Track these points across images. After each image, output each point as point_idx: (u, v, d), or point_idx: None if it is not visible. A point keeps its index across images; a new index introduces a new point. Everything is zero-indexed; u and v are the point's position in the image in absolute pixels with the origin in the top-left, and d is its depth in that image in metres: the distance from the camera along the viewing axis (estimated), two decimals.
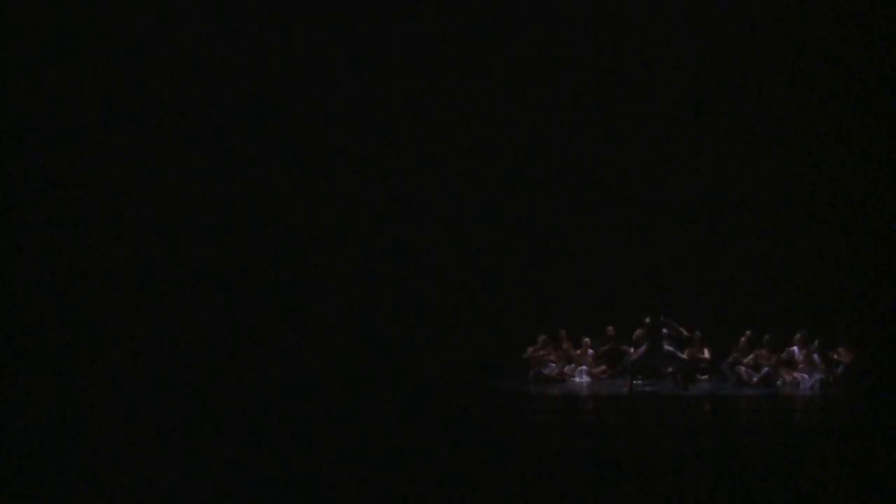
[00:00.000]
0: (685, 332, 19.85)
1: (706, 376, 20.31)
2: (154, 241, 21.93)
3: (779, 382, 19.52)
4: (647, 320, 19.44)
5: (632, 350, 20.60)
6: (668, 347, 19.58)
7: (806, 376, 19.46)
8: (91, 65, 21.87)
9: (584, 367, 20.64)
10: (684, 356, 19.91)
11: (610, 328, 20.84)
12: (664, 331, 19.54)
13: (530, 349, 20.65)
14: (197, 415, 15.98)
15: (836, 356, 19.62)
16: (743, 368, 19.72)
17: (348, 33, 22.20)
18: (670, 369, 19.97)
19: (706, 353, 20.33)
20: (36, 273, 21.49)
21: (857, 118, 21.57)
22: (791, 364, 19.73)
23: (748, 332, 19.99)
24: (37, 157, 21.85)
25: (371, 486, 11.43)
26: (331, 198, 22.43)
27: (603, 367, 20.72)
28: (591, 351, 20.78)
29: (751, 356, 19.79)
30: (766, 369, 19.54)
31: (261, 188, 22.33)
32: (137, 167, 22.09)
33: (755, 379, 19.52)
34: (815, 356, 19.51)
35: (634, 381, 20.07)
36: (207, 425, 15.12)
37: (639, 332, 20.35)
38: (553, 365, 20.62)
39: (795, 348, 19.77)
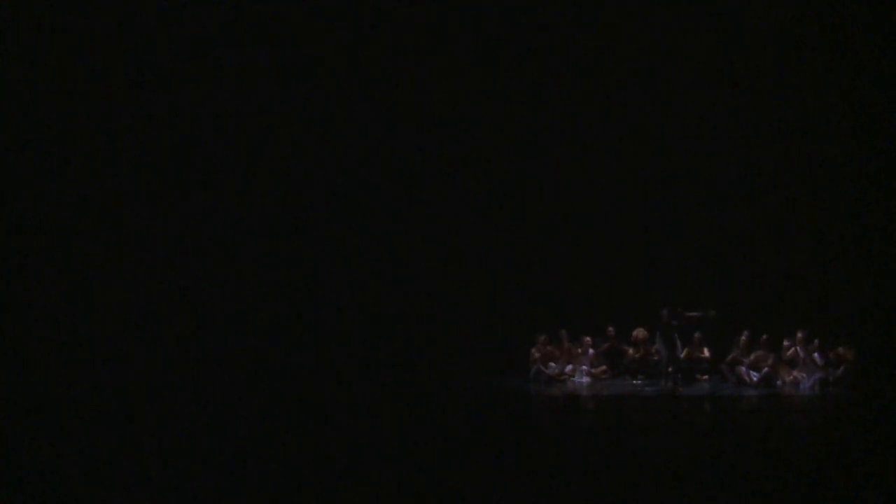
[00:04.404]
0: (697, 315, 19.73)
1: (706, 376, 20.34)
2: (155, 241, 21.96)
3: (779, 382, 19.53)
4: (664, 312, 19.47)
5: (631, 350, 20.64)
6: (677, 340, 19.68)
7: (806, 376, 19.48)
8: (90, 63, 21.88)
9: (584, 367, 20.66)
10: (682, 355, 19.99)
11: (610, 328, 20.87)
12: (674, 322, 19.60)
13: (534, 349, 20.67)
14: (200, 413, 16.03)
15: (836, 356, 19.64)
16: (743, 369, 19.74)
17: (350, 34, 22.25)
18: (670, 369, 20.00)
19: (706, 353, 20.35)
20: (40, 273, 21.51)
21: (859, 119, 21.58)
22: (791, 364, 19.75)
23: (747, 332, 20.02)
24: (38, 156, 21.88)
25: (371, 485, 11.43)
26: (334, 196, 22.45)
27: (603, 368, 20.74)
28: (591, 350, 20.80)
29: (751, 356, 19.81)
30: (765, 369, 19.56)
31: (262, 187, 22.34)
32: (138, 166, 22.10)
33: (755, 379, 19.54)
34: (816, 355, 19.52)
35: (634, 382, 20.15)
36: (209, 421, 15.15)
37: (638, 331, 20.42)
38: (554, 365, 20.65)
39: (796, 347, 19.79)
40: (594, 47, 22.16)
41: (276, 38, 22.06)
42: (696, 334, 20.23)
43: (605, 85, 22.29)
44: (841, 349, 19.63)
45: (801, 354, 19.66)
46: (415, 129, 22.47)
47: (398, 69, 22.41)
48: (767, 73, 21.93)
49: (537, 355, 20.61)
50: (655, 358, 20.20)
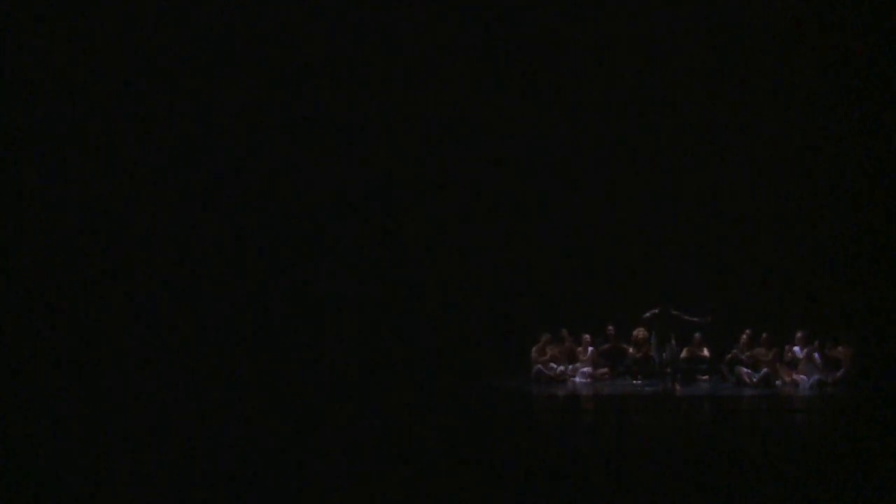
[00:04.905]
0: (696, 319, 19.82)
1: (706, 376, 20.35)
2: (158, 241, 21.97)
3: (778, 383, 19.53)
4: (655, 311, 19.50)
5: (631, 350, 20.64)
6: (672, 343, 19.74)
7: (805, 377, 19.47)
8: (91, 60, 21.89)
9: (585, 368, 20.66)
10: (683, 355, 20.07)
11: (610, 327, 20.87)
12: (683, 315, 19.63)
13: (534, 349, 20.68)
14: (204, 413, 16.04)
15: (836, 356, 19.64)
16: (743, 369, 19.74)
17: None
18: (669, 370, 20.02)
19: (705, 353, 20.37)
20: (42, 272, 21.52)
21: (859, 118, 21.58)
22: (791, 364, 19.74)
23: (748, 331, 20.02)
24: (39, 155, 21.89)
25: (371, 485, 11.44)
26: (334, 197, 22.45)
27: (605, 370, 20.74)
28: (591, 349, 20.80)
29: (750, 356, 19.81)
30: (765, 370, 19.56)
31: (263, 184, 22.35)
32: (140, 166, 22.11)
33: (755, 379, 19.54)
34: (816, 356, 19.52)
35: (634, 382, 20.16)
36: (209, 422, 15.17)
37: (638, 331, 20.43)
38: (554, 365, 20.65)
39: (796, 348, 19.79)
40: (593, 47, 22.17)
41: (273, 38, 22.11)
42: (697, 334, 20.26)
43: (606, 85, 22.29)
44: (841, 349, 19.63)
45: (801, 355, 19.66)
46: (416, 129, 22.48)
47: (398, 69, 22.43)
48: (768, 73, 21.93)
49: (538, 355, 20.61)
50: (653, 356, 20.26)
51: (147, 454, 12.95)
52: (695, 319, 19.79)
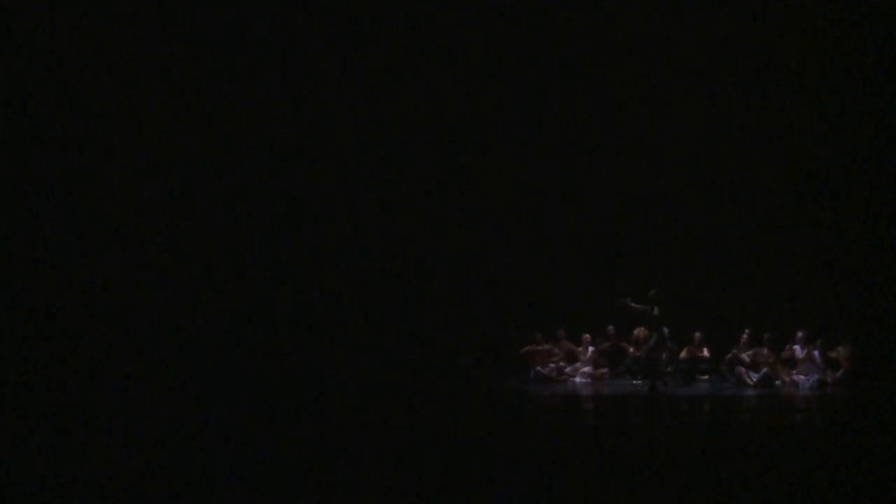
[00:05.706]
0: (646, 309, 19.62)
1: (706, 376, 20.36)
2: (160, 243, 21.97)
3: (778, 382, 19.53)
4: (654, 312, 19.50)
5: (632, 349, 20.63)
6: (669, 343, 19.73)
7: (805, 376, 19.47)
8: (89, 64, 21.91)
9: (585, 369, 20.65)
10: (683, 355, 20.10)
11: (610, 327, 20.86)
12: (665, 331, 19.55)
13: (527, 347, 20.72)
14: (204, 413, 16.05)
15: (835, 356, 19.64)
16: (743, 369, 19.74)
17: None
18: (670, 369, 20.03)
19: (706, 353, 20.37)
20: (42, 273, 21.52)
21: (859, 118, 21.58)
22: (791, 364, 19.74)
23: (748, 331, 20.02)
24: (39, 154, 21.90)
25: (370, 485, 11.44)
26: (335, 199, 22.46)
27: (605, 370, 20.74)
28: (591, 348, 20.80)
29: (751, 356, 19.81)
30: (765, 369, 19.56)
31: (265, 187, 22.36)
32: (140, 165, 22.12)
33: (755, 379, 19.54)
34: (816, 355, 19.52)
35: (634, 382, 20.16)
36: (213, 421, 15.19)
37: (639, 330, 20.41)
38: (553, 365, 20.65)
39: (797, 347, 19.79)
40: (588, 50, 22.17)
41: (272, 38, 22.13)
42: (697, 334, 20.28)
43: (605, 87, 22.29)
44: (840, 349, 19.63)
45: (801, 354, 19.66)
46: (416, 130, 22.49)
47: (396, 70, 22.43)
48: (770, 74, 21.93)
49: (534, 351, 20.63)
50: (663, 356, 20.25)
51: (149, 456, 12.96)
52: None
